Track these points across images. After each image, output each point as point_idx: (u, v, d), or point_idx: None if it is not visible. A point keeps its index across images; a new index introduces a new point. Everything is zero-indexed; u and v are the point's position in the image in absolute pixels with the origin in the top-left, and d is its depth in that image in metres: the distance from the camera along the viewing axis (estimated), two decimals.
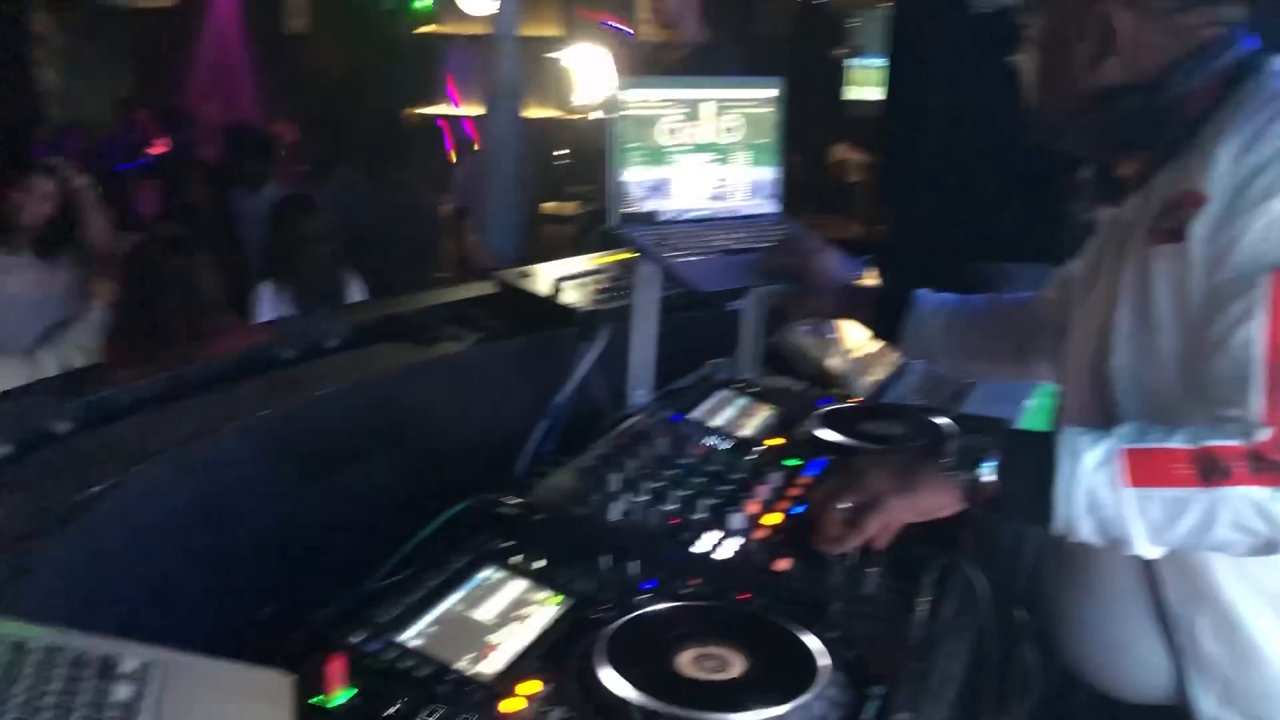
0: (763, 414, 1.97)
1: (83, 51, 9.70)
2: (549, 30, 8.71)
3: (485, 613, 1.23)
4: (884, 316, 1.95)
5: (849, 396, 2.29)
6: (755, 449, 1.77)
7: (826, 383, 2.53)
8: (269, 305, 3.82)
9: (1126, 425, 1.30)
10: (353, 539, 1.54)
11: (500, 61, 4.25)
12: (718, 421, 1.90)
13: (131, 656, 1.06)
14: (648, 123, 2.09)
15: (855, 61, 9.56)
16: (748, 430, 1.88)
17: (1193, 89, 1.43)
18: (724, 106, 2.19)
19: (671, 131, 2.12)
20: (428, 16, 10.01)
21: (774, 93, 2.23)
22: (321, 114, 6.92)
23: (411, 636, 1.17)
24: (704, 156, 2.17)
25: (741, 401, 2.01)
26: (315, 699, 1.07)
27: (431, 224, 5.08)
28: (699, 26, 4.18)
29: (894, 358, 2.55)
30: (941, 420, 1.88)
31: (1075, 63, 1.49)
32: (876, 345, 2.52)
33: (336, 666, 1.08)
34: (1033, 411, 2.37)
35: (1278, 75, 1.40)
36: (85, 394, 1.74)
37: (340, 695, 1.08)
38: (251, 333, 2.81)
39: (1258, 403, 1.23)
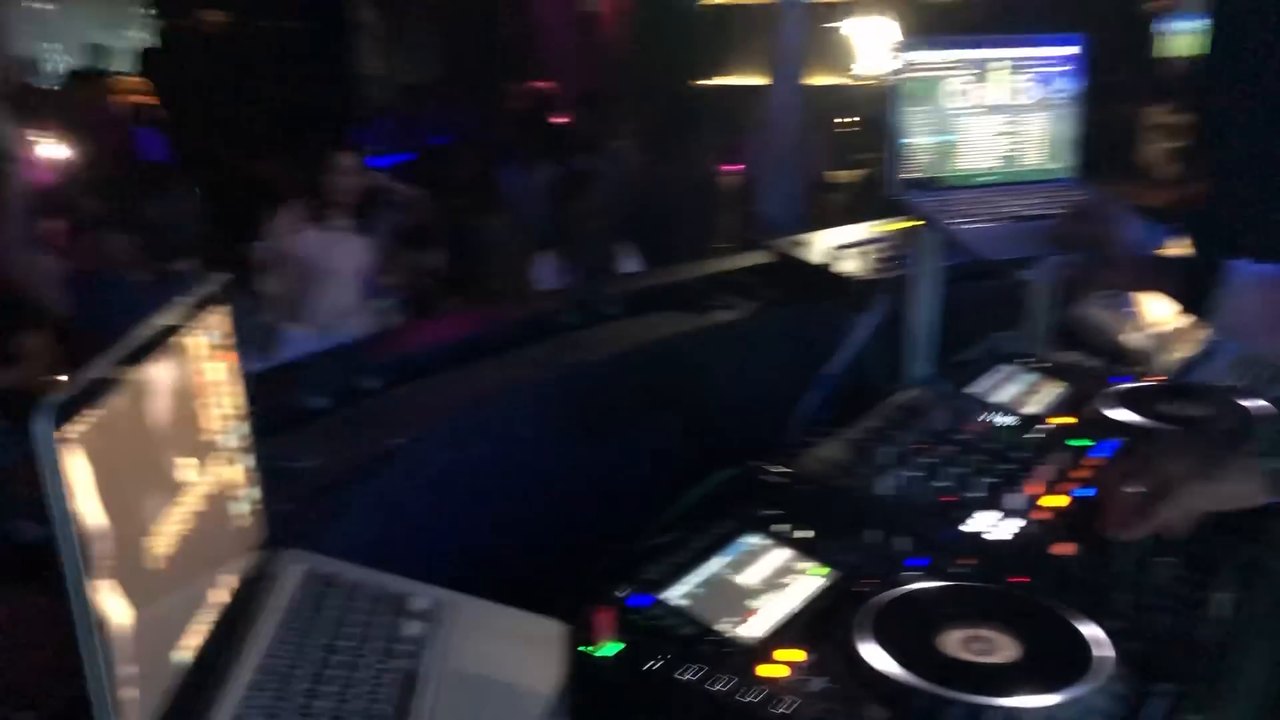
0: (1050, 390, 1.86)
1: (403, 36, 10.42)
2: None
3: (749, 578, 1.24)
4: (1193, 289, 1.80)
5: (1148, 375, 2.13)
6: (1040, 427, 1.68)
7: (1124, 359, 2.36)
8: (547, 276, 3.98)
9: None
10: (625, 498, 1.59)
11: (784, 30, 4.22)
12: (1000, 397, 1.81)
13: (423, 597, 1.15)
14: (933, 84, 2.02)
15: (1172, 24, 8.80)
16: (1032, 407, 1.79)
17: None
18: (1018, 66, 2.08)
19: (959, 93, 2.03)
20: None
21: (1074, 50, 2.10)
22: (603, 89, 7.10)
23: (677, 595, 1.20)
24: (994, 119, 2.07)
25: (1028, 377, 1.91)
26: (585, 648, 1.12)
27: (709, 195, 5.15)
28: None
29: (1202, 334, 2.35)
30: (1253, 403, 1.71)
31: None
32: (1182, 320, 2.33)
33: (605, 619, 1.12)
34: None
35: None
36: (391, 354, 1.88)
37: (608, 646, 1.12)
38: (539, 299, 2.94)
39: None
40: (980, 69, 2.05)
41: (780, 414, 1.97)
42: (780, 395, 2.01)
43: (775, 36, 4.30)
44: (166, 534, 0.89)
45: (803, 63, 4.38)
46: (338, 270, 4.08)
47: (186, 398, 0.97)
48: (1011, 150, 2.08)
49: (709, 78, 10.03)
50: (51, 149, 5.08)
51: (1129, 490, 1.29)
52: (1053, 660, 1.08)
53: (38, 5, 11.46)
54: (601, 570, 1.30)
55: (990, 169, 2.07)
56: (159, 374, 0.91)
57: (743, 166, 5.36)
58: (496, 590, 1.22)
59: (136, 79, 8.34)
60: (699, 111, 5.23)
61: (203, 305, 1.04)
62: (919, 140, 2.03)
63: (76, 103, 6.13)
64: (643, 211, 4.61)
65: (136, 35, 10.26)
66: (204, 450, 1.01)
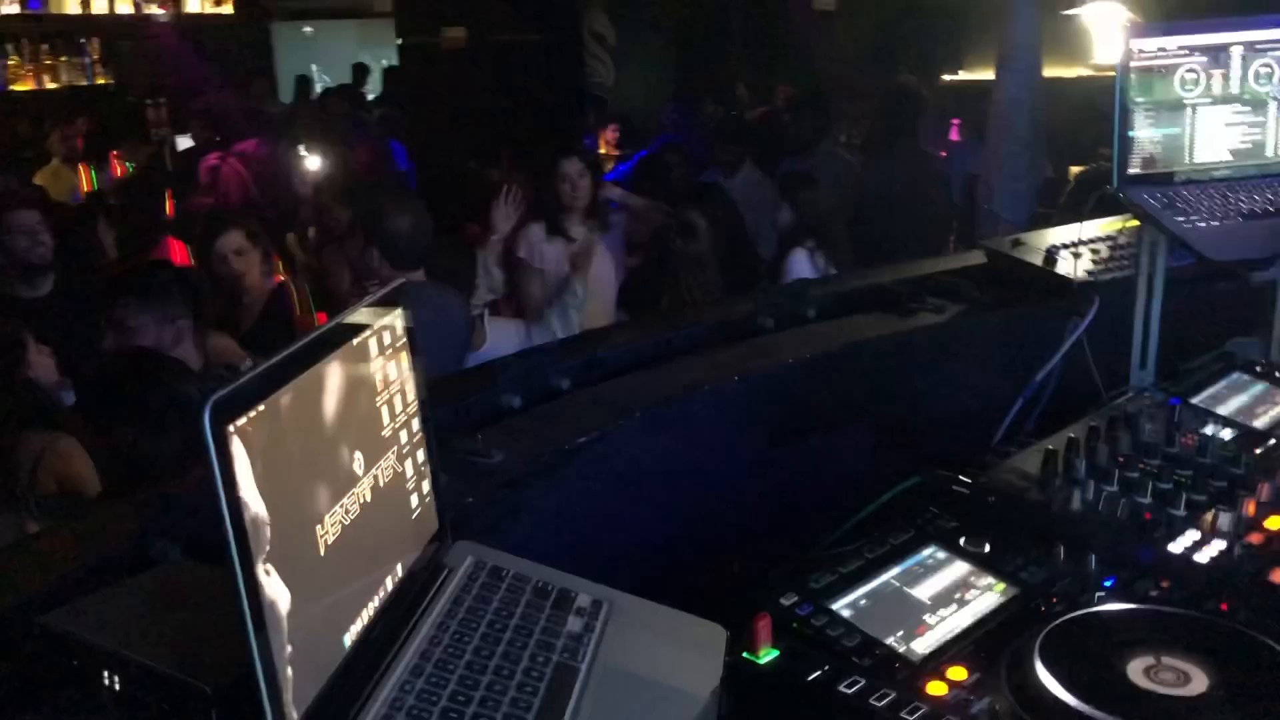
0: None
1: (635, 47, 10.63)
2: None
3: (923, 591, 1.20)
4: None
5: None
6: (1268, 442, 1.54)
7: None
8: (801, 268, 3.96)
9: None
10: (814, 503, 1.57)
11: (1016, 21, 4.04)
12: (1226, 409, 1.67)
13: (586, 593, 1.17)
14: (1163, 73, 1.89)
15: None
16: (1261, 420, 1.64)
17: None
18: (1257, 50, 1.91)
19: (1190, 81, 1.89)
20: None
21: None
22: (817, 90, 7.00)
23: (843, 605, 1.17)
24: (1230, 108, 1.92)
25: (1259, 388, 1.75)
26: (745, 654, 1.11)
27: (933, 192, 5.05)
28: None
29: None
30: None
31: None
32: None
33: (763, 625, 1.11)
34: None
35: None
36: (585, 355, 1.92)
37: (767, 653, 1.10)
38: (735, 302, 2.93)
39: None
40: (1214, 55, 1.90)
41: (986, 422, 1.89)
42: (987, 402, 1.93)
43: (1005, 26, 4.12)
44: (336, 523, 0.94)
45: (1038, 54, 4.17)
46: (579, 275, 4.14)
47: (360, 394, 1.03)
48: (1247, 142, 1.92)
49: (953, 72, 9.73)
50: (309, 161, 5.49)
51: None
52: (1253, 695, 0.99)
53: (308, 29, 12.43)
54: (771, 576, 1.29)
55: (1224, 162, 1.92)
56: (330, 370, 0.97)
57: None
58: (674, 591, 1.22)
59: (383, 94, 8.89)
60: (922, 108, 5.09)
61: (381, 305, 1.10)
62: (1147, 133, 1.90)
63: (328, 118, 6.60)
64: (864, 210, 4.54)
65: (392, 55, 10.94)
66: (378, 444, 1.06)
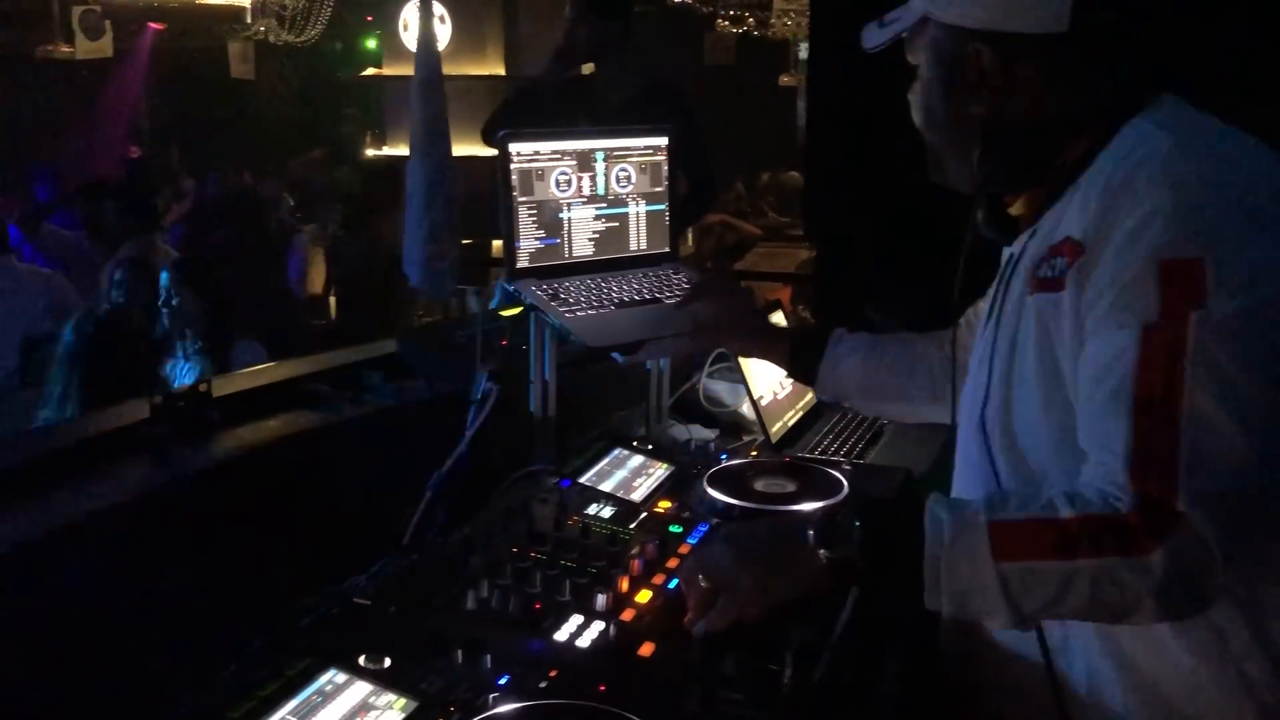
0: (656, 472, 1.90)
1: None
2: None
3: None
4: (799, 357, 1.90)
5: (758, 446, 2.22)
6: (641, 515, 1.70)
7: (741, 430, 2.46)
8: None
9: (992, 492, 1.25)
10: (219, 629, 1.47)
11: (421, 111, 4.19)
12: (609, 484, 1.82)
13: None
14: (540, 175, 2.05)
15: None
16: (638, 493, 1.81)
17: (1075, 129, 1.38)
18: (615, 157, 2.14)
19: (564, 183, 2.06)
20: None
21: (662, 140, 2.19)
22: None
23: None
24: (596, 207, 2.12)
25: (637, 460, 1.94)
26: None
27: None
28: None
29: (809, 399, 2.48)
30: (837, 474, 1.81)
31: (957, 101, 1.44)
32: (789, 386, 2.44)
33: None
34: None
35: (1156, 115, 1.35)
36: None
37: None
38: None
39: (1122, 465, 1.17)
40: (582, 159, 2.09)
41: (402, 518, 1.89)
42: (403, 498, 1.93)
43: (414, 118, 4.26)
44: None
45: (448, 140, 4.34)
46: None
47: None
48: (615, 237, 2.13)
49: (377, 148, 9.92)
50: None
51: (701, 585, 1.31)
52: None
53: None
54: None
55: (597, 256, 2.11)
56: None
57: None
58: None
59: None
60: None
61: None
62: (531, 229, 2.04)
63: None
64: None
65: None
66: None
